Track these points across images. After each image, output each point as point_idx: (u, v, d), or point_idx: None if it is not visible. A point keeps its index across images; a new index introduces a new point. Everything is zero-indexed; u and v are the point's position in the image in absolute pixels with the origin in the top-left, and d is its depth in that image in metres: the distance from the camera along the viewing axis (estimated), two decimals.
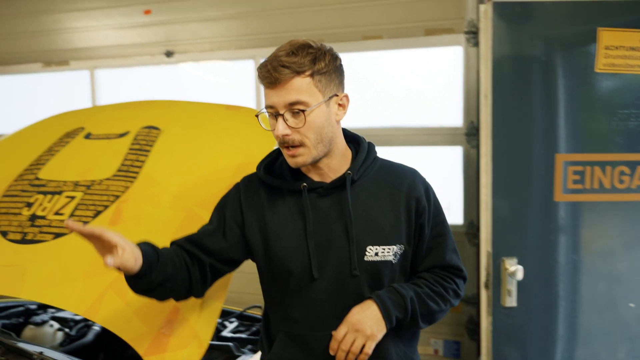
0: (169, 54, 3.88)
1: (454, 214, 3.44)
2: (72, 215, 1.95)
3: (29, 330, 2.46)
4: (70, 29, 4.18)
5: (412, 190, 1.43)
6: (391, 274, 1.41)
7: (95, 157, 2.19)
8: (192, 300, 1.60)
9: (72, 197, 2.02)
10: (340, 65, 1.39)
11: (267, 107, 1.34)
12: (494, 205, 2.12)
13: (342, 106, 1.40)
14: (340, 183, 1.39)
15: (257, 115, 1.41)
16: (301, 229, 1.37)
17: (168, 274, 1.33)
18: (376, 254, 1.38)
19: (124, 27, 4.02)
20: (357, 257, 1.37)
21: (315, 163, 1.39)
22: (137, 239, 1.80)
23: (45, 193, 2.08)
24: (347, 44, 3.45)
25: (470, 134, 3.28)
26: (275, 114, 1.33)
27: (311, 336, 1.38)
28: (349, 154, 1.45)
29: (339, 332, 1.33)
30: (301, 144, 1.33)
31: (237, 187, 1.49)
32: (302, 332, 1.39)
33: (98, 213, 1.93)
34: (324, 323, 1.38)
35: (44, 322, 2.50)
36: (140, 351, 1.52)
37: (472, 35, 3.18)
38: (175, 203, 1.89)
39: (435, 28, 3.31)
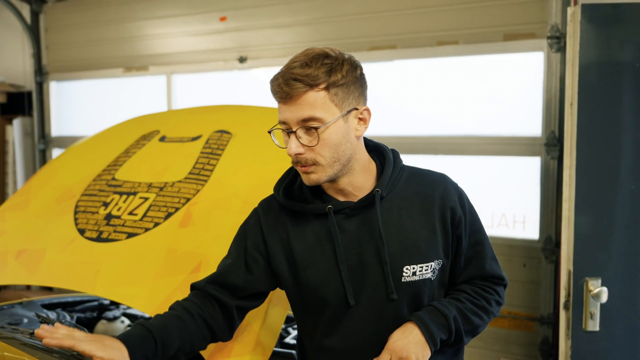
0: (242, 59, 3.94)
1: (529, 228, 3.26)
2: (144, 215, 2.00)
3: (101, 325, 2.56)
4: (150, 36, 4.34)
5: (446, 200, 1.33)
6: (431, 291, 1.33)
7: (169, 159, 2.24)
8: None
9: (146, 198, 2.08)
10: (361, 75, 1.27)
11: (280, 122, 1.24)
12: (577, 221, 1.99)
13: (363, 120, 1.28)
14: (368, 202, 1.29)
15: (270, 132, 1.31)
16: (331, 255, 1.28)
17: (175, 347, 1.25)
18: (414, 274, 1.29)
19: (200, 33, 4.13)
20: (393, 279, 1.27)
21: (334, 182, 1.30)
22: (206, 242, 1.82)
23: (121, 193, 2.15)
24: (421, 50, 3.36)
25: (550, 145, 3.10)
26: (288, 131, 1.23)
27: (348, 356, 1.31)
28: (372, 167, 1.34)
29: None
30: (315, 163, 1.23)
31: (255, 214, 1.40)
32: None
33: (169, 215, 1.96)
34: (362, 351, 1.31)
35: (115, 318, 2.59)
36: (205, 355, 1.52)
37: (556, 40, 3.02)
38: (244, 208, 1.89)
39: (515, 33, 3.16)
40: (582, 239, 1.98)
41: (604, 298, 1.93)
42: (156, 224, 1.95)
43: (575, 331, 1.99)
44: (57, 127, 4.94)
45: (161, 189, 2.09)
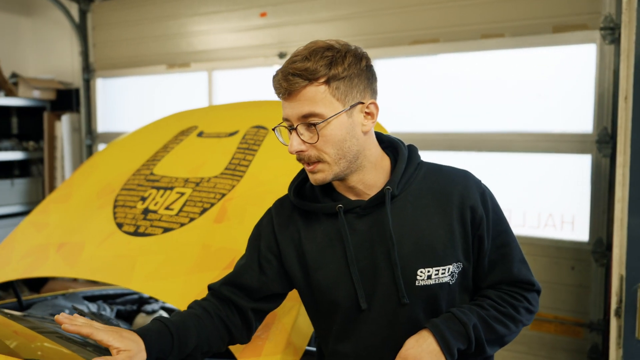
0: (282, 55, 3.92)
1: (578, 229, 3.11)
2: (180, 210, 2.00)
3: (140, 318, 2.59)
4: (192, 33, 4.38)
5: (466, 198, 1.23)
6: (450, 296, 1.24)
7: (206, 155, 2.24)
8: (290, 305, 1.56)
9: (182, 193, 2.08)
10: (367, 67, 1.21)
11: (283, 119, 1.21)
12: (630, 223, 1.86)
13: (370, 115, 1.21)
14: (379, 200, 1.23)
15: (274, 129, 1.28)
16: (342, 256, 1.23)
17: (192, 344, 1.22)
18: (429, 277, 1.20)
19: (241, 29, 4.14)
20: (406, 282, 1.20)
21: (343, 180, 1.24)
22: (240, 238, 1.80)
23: (158, 188, 2.16)
24: (464, 43, 3.25)
25: (602, 142, 2.94)
26: (290, 128, 1.19)
27: None
28: (385, 163, 1.27)
29: None
30: (320, 160, 1.18)
31: (269, 214, 1.38)
32: None
33: (204, 210, 1.96)
34: (376, 357, 1.24)
35: (154, 312, 2.62)
36: (237, 353, 1.50)
37: (609, 31, 2.86)
38: None
39: (565, 24, 3.02)
40: (635, 241, 1.86)
41: None
42: (191, 219, 1.94)
43: (627, 340, 1.87)
44: (103, 123, 5.06)
45: (197, 184, 2.09)
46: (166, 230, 1.95)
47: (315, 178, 1.21)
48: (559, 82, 3.15)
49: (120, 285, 1.94)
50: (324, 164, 1.19)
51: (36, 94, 4.88)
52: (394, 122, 3.38)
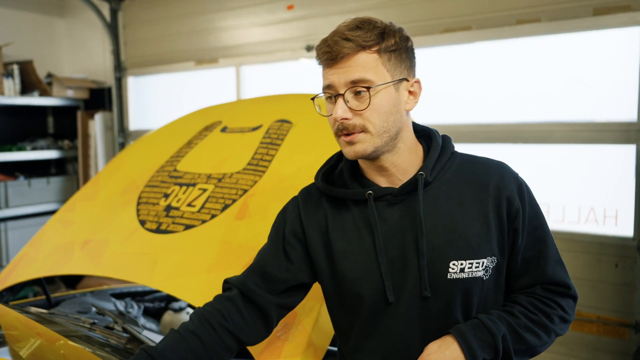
0: (309, 48, 3.86)
1: (622, 224, 2.94)
2: (202, 207, 1.96)
3: (167, 316, 2.58)
4: (220, 28, 4.37)
5: (502, 189, 1.16)
6: (483, 294, 1.16)
7: (229, 150, 2.20)
8: (310, 304, 1.50)
9: (204, 190, 2.04)
10: (411, 47, 1.18)
11: (324, 88, 1.15)
12: None
13: (413, 94, 1.18)
14: (411, 187, 1.16)
15: (313, 99, 1.22)
16: (370, 246, 1.17)
17: None
18: (462, 271, 1.13)
19: (268, 23, 4.09)
20: (437, 274, 1.13)
21: (376, 160, 1.17)
22: (260, 235, 1.75)
23: (181, 184, 2.13)
24: (498, 30, 3.11)
25: None
26: (334, 96, 1.13)
27: None
28: (419, 150, 1.22)
29: None
30: (363, 130, 1.12)
31: (294, 201, 1.33)
32: None
33: (226, 207, 1.91)
34: (404, 354, 1.16)
35: (181, 309, 2.60)
36: (255, 354, 1.45)
37: None
38: None
39: (607, 6, 2.85)
40: None
41: None
42: (213, 216, 1.90)
43: None
44: (135, 121, 5.11)
45: (219, 180, 2.05)
46: (188, 227, 1.91)
47: (355, 150, 1.14)
48: (600, 68, 2.98)
49: (141, 284, 1.92)
50: (366, 134, 1.13)
51: (70, 93, 4.96)
52: (425, 114, 3.27)
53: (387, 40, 1.12)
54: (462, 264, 1.13)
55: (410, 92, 1.18)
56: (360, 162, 1.24)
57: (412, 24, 3.39)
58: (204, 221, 1.90)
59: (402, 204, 1.18)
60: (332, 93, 1.14)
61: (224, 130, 2.38)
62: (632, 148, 2.86)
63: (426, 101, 3.38)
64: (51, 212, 4.83)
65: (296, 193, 1.87)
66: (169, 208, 2.05)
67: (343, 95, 1.12)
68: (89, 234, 2.20)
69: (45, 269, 2.12)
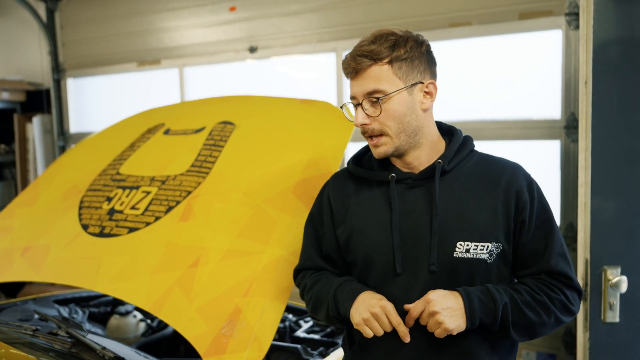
0: (252, 49, 3.89)
1: None
2: (146, 210, 1.97)
3: (114, 320, 2.56)
4: (162, 29, 4.33)
5: (512, 184, 1.29)
6: (486, 275, 1.28)
7: (172, 152, 2.21)
8: (255, 301, 1.55)
9: (148, 192, 2.06)
10: (427, 51, 1.32)
11: (351, 97, 1.33)
12: (594, 206, 1.88)
13: (429, 94, 1.32)
14: (430, 174, 1.31)
15: (342, 107, 1.42)
16: (387, 221, 1.30)
17: None
18: (467, 251, 1.25)
19: (211, 24, 4.09)
20: (445, 252, 1.25)
21: (401, 156, 1.33)
22: (205, 235, 1.79)
23: (124, 188, 2.14)
24: (433, 32, 3.25)
25: (570, 127, 2.97)
26: (356, 105, 1.32)
27: (393, 337, 1.26)
28: (442, 145, 1.36)
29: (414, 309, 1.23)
30: (382, 133, 1.30)
31: (327, 183, 1.48)
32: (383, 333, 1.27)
33: (170, 208, 1.94)
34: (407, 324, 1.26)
35: (128, 313, 2.59)
36: (201, 351, 1.49)
37: (574, 17, 2.87)
38: (244, 200, 1.85)
39: (531, 11, 3.03)
40: (599, 225, 1.87)
41: (624, 288, 1.82)
42: (157, 218, 1.92)
43: (593, 323, 1.89)
44: (76, 124, 4.99)
45: (163, 182, 2.07)
46: (132, 230, 1.93)
47: (379, 151, 1.32)
48: (527, 69, 3.16)
49: (85, 288, 1.92)
50: (386, 137, 1.30)
51: (5, 95, 4.79)
52: None
53: (397, 50, 1.26)
54: (468, 245, 1.26)
55: (425, 93, 1.31)
56: None
57: (351, 27, 3.49)
58: (148, 223, 1.92)
59: (421, 188, 1.31)
60: (355, 102, 1.32)
61: (166, 132, 2.39)
62: (556, 143, 3.06)
63: None
64: None
65: (240, 194, 1.93)
66: (112, 211, 2.05)
67: (361, 104, 1.29)
68: (29, 240, 2.17)
69: None
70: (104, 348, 1.51)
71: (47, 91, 4.98)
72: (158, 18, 4.33)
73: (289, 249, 1.64)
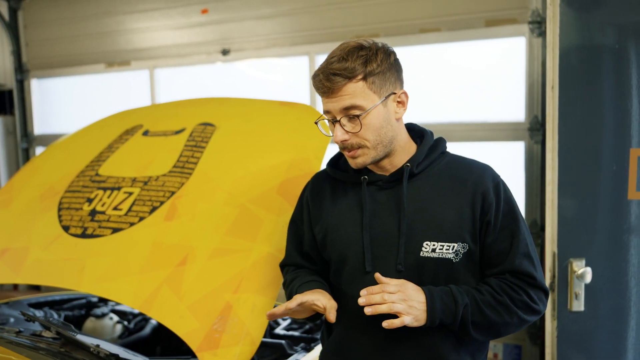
0: (225, 52, 3.92)
1: None
2: (129, 210, 1.98)
3: (89, 323, 2.54)
4: (132, 30, 4.30)
5: (479, 185, 1.32)
6: (452, 275, 1.31)
7: (153, 153, 2.22)
8: (245, 297, 1.60)
9: (130, 193, 2.06)
10: (395, 61, 1.34)
11: (324, 112, 1.34)
12: (560, 203, 2.00)
13: (401, 103, 1.35)
14: (400, 176, 1.35)
15: (316, 122, 1.41)
16: (358, 221, 1.35)
17: None
18: (433, 251, 1.29)
19: (182, 26, 4.09)
20: (412, 251, 1.30)
21: (377, 162, 1.37)
22: (191, 234, 1.82)
23: (105, 189, 2.13)
24: (403, 38, 3.36)
25: (533, 129, 3.12)
26: (333, 120, 1.32)
27: (365, 328, 1.33)
28: (412, 148, 1.39)
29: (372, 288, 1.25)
30: (360, 146, 1.32)
31: (307, 183, 1.52)
32: (357, 325, 1.35)
33: (154, 209, 1.95)
34: (379, 319, 1.29)
35: (104, 315, 2.57)
36: (194, 347, 1.52)
37: (537, 25, 3.03)
38: (229, 199, 1.89)
39: (496, 19, 3.17)
40: (565, 220, 1.99)
41: (588, 278, 1.94)
42: (141, 219, 1.94)
43: (560, 312, 2.00)
44: (40, 125, 4.88)
45: (145, 183, 2.08)
46: (115, 230, 1.93)
47: (356, 162, 1.34)
48: (493, 74, 3.31)
49: (69, 288, 1.91)
50: (363, 149, 1.32)
51: None
52: None
53: (369, 65, 1.27)
54: (434, 245, 1.30)
55: (398, 102, 1.34)
56: None
57: (324, 31, 3.56)
58: (132, 224, 1.93)
59: (391, 190, 1.36)
60: (330, 118, 1.33)
61: (145, 133, 2.39)
62: (521, 145, 3.21)
63: None
64: None
65: (224, 194, 1.96)
66: (93, 212, 2.05)
67: (339, 121, 1.30)
68: (6, 243, 2.14)
69: None
70: (97, 346, 1.52)
71: (10, 92, 4.86)
72: (127, 19, 4.29)
73: (276, 246, 1.68)
